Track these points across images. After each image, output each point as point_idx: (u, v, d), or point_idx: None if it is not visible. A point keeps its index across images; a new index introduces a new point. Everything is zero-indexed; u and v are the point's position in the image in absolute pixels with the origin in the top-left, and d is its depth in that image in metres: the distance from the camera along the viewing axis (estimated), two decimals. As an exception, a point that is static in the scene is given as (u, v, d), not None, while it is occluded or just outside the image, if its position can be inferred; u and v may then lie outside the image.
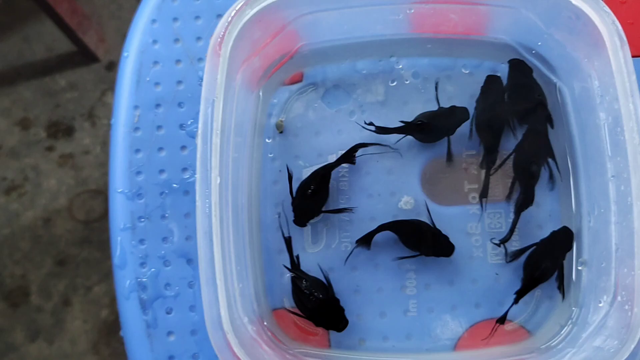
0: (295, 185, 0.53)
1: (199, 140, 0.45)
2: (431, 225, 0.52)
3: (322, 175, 0.53)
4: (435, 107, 0.55)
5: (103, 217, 1.26)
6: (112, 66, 1.31)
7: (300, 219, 0.53)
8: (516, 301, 0.51)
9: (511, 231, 0.52)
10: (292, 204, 0.53)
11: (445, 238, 0.52)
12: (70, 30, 1.19)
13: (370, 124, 0.54)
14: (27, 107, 1.31)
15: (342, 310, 0.51)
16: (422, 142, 0.54)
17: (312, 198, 0.53)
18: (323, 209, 0.53)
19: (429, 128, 0.53)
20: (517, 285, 0.52)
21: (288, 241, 0.53)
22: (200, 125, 0.45)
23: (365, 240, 0.52)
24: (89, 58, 1.30)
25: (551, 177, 0.53)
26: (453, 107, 0.53)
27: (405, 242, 0.52)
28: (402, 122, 0.53)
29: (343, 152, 0.54)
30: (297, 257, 0.53)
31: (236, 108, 0.49)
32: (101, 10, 1.34)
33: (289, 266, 0.53)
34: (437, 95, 0.55)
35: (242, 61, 0.49)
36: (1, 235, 1.26)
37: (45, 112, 1.30)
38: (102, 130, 1.29)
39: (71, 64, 1.32)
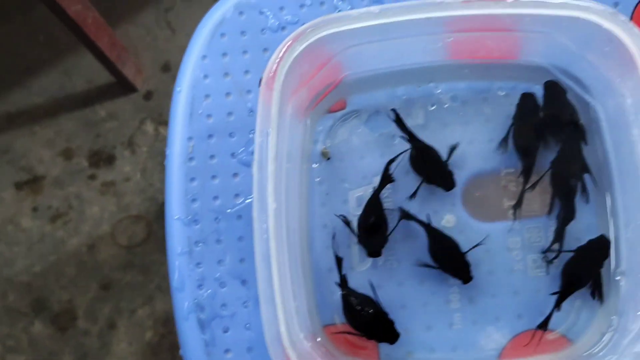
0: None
1: (255, 169, 0.48)
2: (458, 246, 0.55)
3: (374, 204, 0.55)
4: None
5: (145, 242, 1.30)
6: (150, 95, 1.36)
7: (374, 252, 0.55)
8: (557, 307, 0.53)
9: (560, 246, 0.55)
10: (359, 241, 0.56)
11: (467, 265, 0.54)
12: (109, 63, 1.24)
13: (393, 110, 0.57)
14: (69, 137, 1.35)
15: (392, 323, 0.54)
16: (409, 161, 0.57)
17: (376, 228, 0.55)
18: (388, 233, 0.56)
19: (422, 160, 0.56)
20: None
21: (339, 261, 0.55)
22: (256, 155, 0.48)
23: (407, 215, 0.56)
24: (127, 88, 1.34)
25: (584, 190, 0.55)
26: (451, 173, 0.56)
27: (431, 252, 0.55)
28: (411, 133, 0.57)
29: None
30: (345, 275, 0.55)
31: (287, 137, 0.52)
32: (137, 42, 1.39)
33: (339, 284, 0.55)
34: (450, 153, 0.57)
35: (292, 93, 0.52)
36: (48, 262, 1.30)
37: (86, 142, 1.35)
38: (142, 157, 1.33)
39: (110, 95, 1.37)
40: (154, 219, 1.30)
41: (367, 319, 0.53)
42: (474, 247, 0.55)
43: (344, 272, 0.55)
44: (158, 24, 1.40)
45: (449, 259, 0.55)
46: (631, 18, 0.58)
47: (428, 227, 0.55)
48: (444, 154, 0.57)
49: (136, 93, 1.36)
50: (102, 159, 1.34)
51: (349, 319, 0.54)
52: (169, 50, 1.37)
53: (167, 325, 1.25)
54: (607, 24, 0.49)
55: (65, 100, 1.38)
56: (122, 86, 1.34)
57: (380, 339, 0.54)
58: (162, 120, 1.34)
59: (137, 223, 1.31)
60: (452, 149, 0.57)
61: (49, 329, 1.27)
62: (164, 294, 1.26)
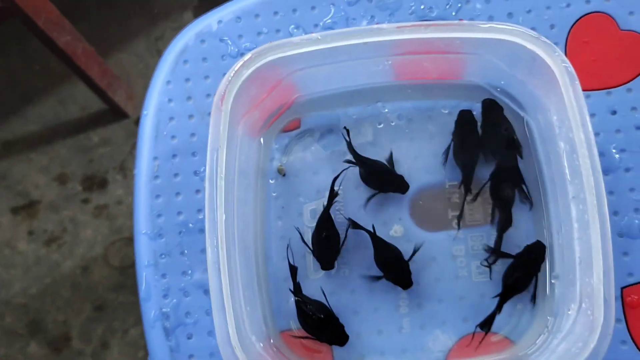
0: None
1: (206, 184, 0.52)
2: (400, 254, 0.58)
3: (325, 220, 0.59)
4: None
5: (137, 263, 1.33)
6: (141, 121, 1.40)
7: (327, 265, 0.59)
8: (498, 310, 0.57)
9: (498, 250, 0.58)
10: (314, 254, 0.60)
11: (408, 273, 0.58)
12: (101, 91, 1.29)
13: (345, 128, 0.61)
14: (63, 163, 1.40)
15: (342, 326, 0.57)
16: (360, 177, 0.61)
17: (328, 242, 0.59)
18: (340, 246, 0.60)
19: (370, 174, 0.60)
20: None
21: (293, 270, 0.59)
22: (207, 170, 0.52)
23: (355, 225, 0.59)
24: (119, 115, 1.40)
25: (524, 199, 0.59)
26: (401, 178, 0.60)
27: (376, 260, 0.58)
28: (356, 154, 0.60)
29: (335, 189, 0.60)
30: (299, 283, 0.59)
31: (240, 154, 0.57)
32: (129, 70, 1.44)
33: (293, 292, 0.59)
34: (390, 159, 0.61)
35: (243, 114, 0.56)
36: (44, 284, 1.34)
37: (80, 167, 1.40)
38: (134, 181, 1.37)
39: (103, 122, 1.42)
40: (146, 241, 1.34)
41: (319, 323, 0.57)
42: (413, 254, 0.58)
43: (298, 280, 0.59)
44: (149, 52, 1.46)
45: (392, 267, 0.58)
46: (567, 39, 0.62)
47: (373, 236, 0.59)
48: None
49: (128, 119, 1.41)
50: (95, 183, 1.39)
51: (303, 323, 0.58)
52: (159, 78, 1.42)
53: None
54: (529, 45, 0.53)
55: (60, 127, 1.43)
56: (114, 113, 1.40)
57: (331, 342, 0.57)
58: (153, 144, 1.38)
59: (130, 245, 1.35)
60: (390, 157, 0.61)
61: (44, 349, 1.31)
62: (156, 314, 1.29)
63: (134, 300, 1.32)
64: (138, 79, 1.44)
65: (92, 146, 1.40)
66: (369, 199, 0.61)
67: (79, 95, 1.43)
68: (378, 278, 0.59)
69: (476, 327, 0.57)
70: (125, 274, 1.33)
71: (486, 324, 0.57)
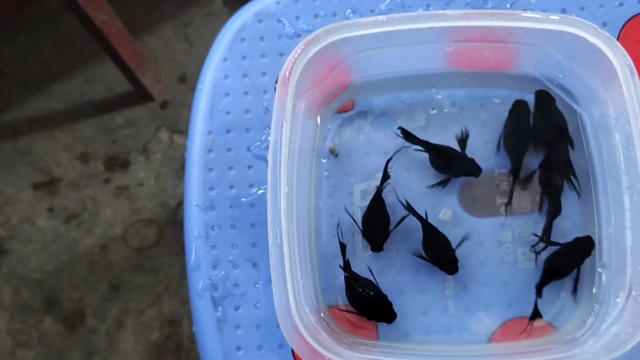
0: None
1: (269, 157, 0.53)
2: (449, 243, 0.60)
3: (377, 203, 0.60)
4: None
5: (155, 245, 1.34)
6: (166, 105, 1.41)
7: (377, 246, 0.60)
8: (538, 294, 0.58)
9: (548, 238, 0.59)
10: (364, 235, 0.61)
11: (455, 260, 0.59)
12: (129, 72, 1.30)
13: (400, 129, 0.62)
14: (87, 142, 1.41)
15: (390, 304, 0.58)
16: (431, 165, 0.62)
17: (379, 224, 0.60)
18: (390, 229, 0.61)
19: (442, 160, 0.61)
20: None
21: (343, 247, 0.60)
22: (271, 144, 0.53)
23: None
24: (145, 97, 1.40)
25: (572, 189, 0.60)
26: (472, 160, 0.61)
27: (424, 246, 0.60)
28: (424, 142, 0.61)
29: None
30: (349, 260, 0.60)
31: (298, 132, 0.58)
32: (157, 54, 1.45)
33: (343, 268, 0.60)
34: (461, 142, 0.62)
35: (305, 91, 0.57)
36: (61, 261, 1.35)
37: (103, 147, 1.40)
38: (156, 164, 1.38)
39: (128, 103, 1.42)
40: (165, 223, 1.35)
41: (367, 300, 0.58)
42: (461, 242, 0.60)
43: (347, 257, 0.60)
44: (177, 37, 1.46)
45: (439, 253, 0.60)
46: (618, 38, 0.64)
47: (424, 222, 0.60)
48: None
49: (153, 102, 1.42)
50: (117, 163, 1.39)
51: (351, 299, 0.59)
52: (186, 63, 1.43)
53: (173, 326, 1.29)
54: (591, 38, 0.54)
55: (85, 106, 1.43)
56: (140, 95, 1.40)
57: (378, 319, 0.59)
58: (177, 129, 1.40)
59: (149, 226, 1.36)
60: (462, 140, 0.62)
61: (59, 325, 1.31)
62: (172, 296, 1.31)
63: (150, 281, 1.33)
64: (165, 63, 1.45)
65: (116, 127, 1.41)
66: (440, 184, 0.62)
67: (105, 76, 1.44)
68: (425, 259, 0.60)
69: (530, 318, 0.58)
70: (143, 255, 1.34)
71: (535, 314, 0.58)
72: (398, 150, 0.62)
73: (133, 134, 1.41)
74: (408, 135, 0.62)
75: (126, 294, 1.32)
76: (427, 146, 0.62)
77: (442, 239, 0.60)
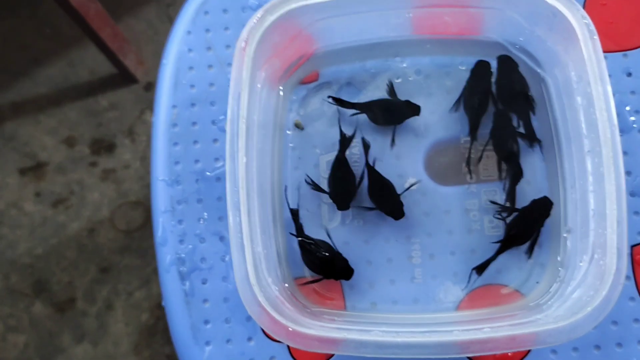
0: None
1: (227, 127, 0.53)
2: (393, 188, 0.60)
3: (342, 162, 0.60)
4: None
5: (142, 227, 1.34)
6: (150, 87, 1.41)
7: (343, 204, 0.60)
8: (494, 257, 0.58)
9: (513, 203, 0.59)
10: (330, 196, 0.60)
11: (400, 204, 0.59)
12: (111, 54, 1.29)
13: (330, 97, 0.62)
14: (72, 126, 1.41)
15: (346, 261, 0.58)
16: (373, 123, 0.62)
17: (343, 183, 0.60)
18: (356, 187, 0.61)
19: (379, 113, 0.61)
20: (510, 254, 0.58)
21: (294, 213, 0.60)
22: (228, 114, 0.53)
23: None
24: (128, 80, 1.40)
25: (534, 143, 0.60)
26: (407, 102, 0.61)
27: (370, 192, 0.60)
28: (356, 104, 0.62)
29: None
30: (302, 225, 0.60)
31: (260, 104, 0.57)
32: (139, 36, 1.44)
33: (295, 235, 0.60)
34: (391, 91, 0.62)
35: (264, 61, 0.57)
36: (49, 245, 1.35)
37: (88, 130, 1.40)
38: (141, 146, 1.38)
39: (112, 86, 1.42)
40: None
41: (323, 260, 0.58)
42: (407, 189, 0.60)
43: (307, 225, 0.60)
44: (160, 19, 1.46)
45: (384, 199, 0.59)
46: (584, 1, 0.63)
47: (370, 169, 0.60)
48: None
49: (137, 84, 1.41)
50: (103, 147, 1.39)
51: (308, 263, 0.59)
52: (170, 44, 1.42)
53: (162, 307, 1.29)
54: (550, 1, 0.53)
55: (69, 90, 1.43)
56: (123, 77, 1.40)
57: (337, 277, 0.58)
58: (162, 110, 1.39)
59: (136, 209, 1.36)
60: (390, 88, 0.63)
61: (49, 309, 1.32)
62: (161, 277, 1.31)
63: (139, 263, 1.33)
64: (148, 45, 1.44)
65: (101, 110, 1.41)
66: (393, 137, 0.62)
67: (89, 59, 1.43)
68: (370, 209, 0.60)
69: (472, 270, 0.58)
70: (131, 238, 1.34)
71: (480, 268, 0.58)
72: (355, 114, 0.62)
73: (118, 117, 1.40)
74: (340, 102, 0.62)
75: (115, 277, 1.33)
76: (360, 107, 0.61)
77: (387, 185, 0.60)
